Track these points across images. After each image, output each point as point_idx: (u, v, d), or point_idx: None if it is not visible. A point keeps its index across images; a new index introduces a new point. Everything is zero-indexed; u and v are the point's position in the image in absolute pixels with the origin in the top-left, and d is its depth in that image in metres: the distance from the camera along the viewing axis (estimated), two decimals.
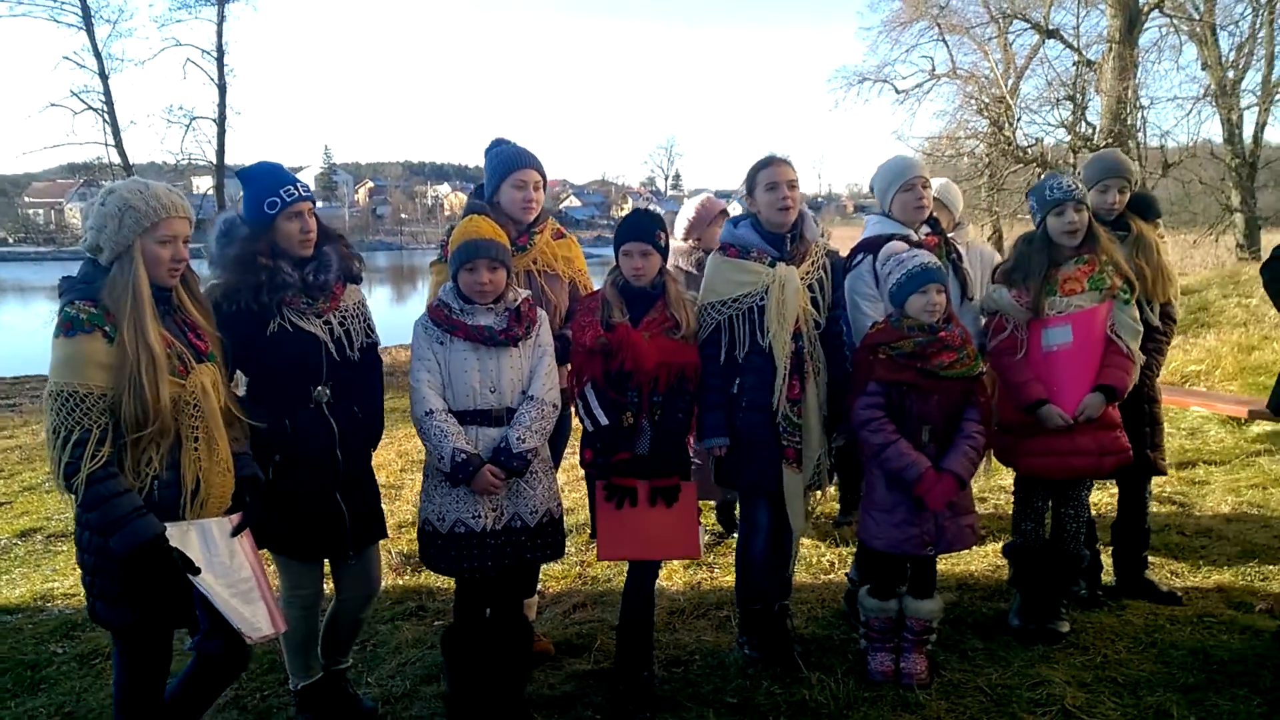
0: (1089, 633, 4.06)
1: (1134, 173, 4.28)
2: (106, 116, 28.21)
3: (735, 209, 4.25)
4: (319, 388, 3.35)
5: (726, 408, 3.76)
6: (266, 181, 3.29)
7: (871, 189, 4.17)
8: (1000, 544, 4.76)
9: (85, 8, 26.79)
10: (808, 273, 3.75)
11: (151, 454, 2.72)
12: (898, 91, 27.61)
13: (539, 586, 4.92)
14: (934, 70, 27.12)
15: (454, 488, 3.38)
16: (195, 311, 2.96)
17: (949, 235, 4.16)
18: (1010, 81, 25.34)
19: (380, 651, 4.27)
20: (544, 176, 4.02)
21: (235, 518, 2.96)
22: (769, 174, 3.72)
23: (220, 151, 29.40)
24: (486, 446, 3.39)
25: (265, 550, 3.48)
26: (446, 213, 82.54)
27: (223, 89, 28.98)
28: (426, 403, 3.36)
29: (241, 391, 3.39)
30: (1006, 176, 24.78)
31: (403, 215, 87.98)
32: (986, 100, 25.75)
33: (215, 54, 28.83)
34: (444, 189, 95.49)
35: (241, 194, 3.37)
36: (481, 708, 3.56)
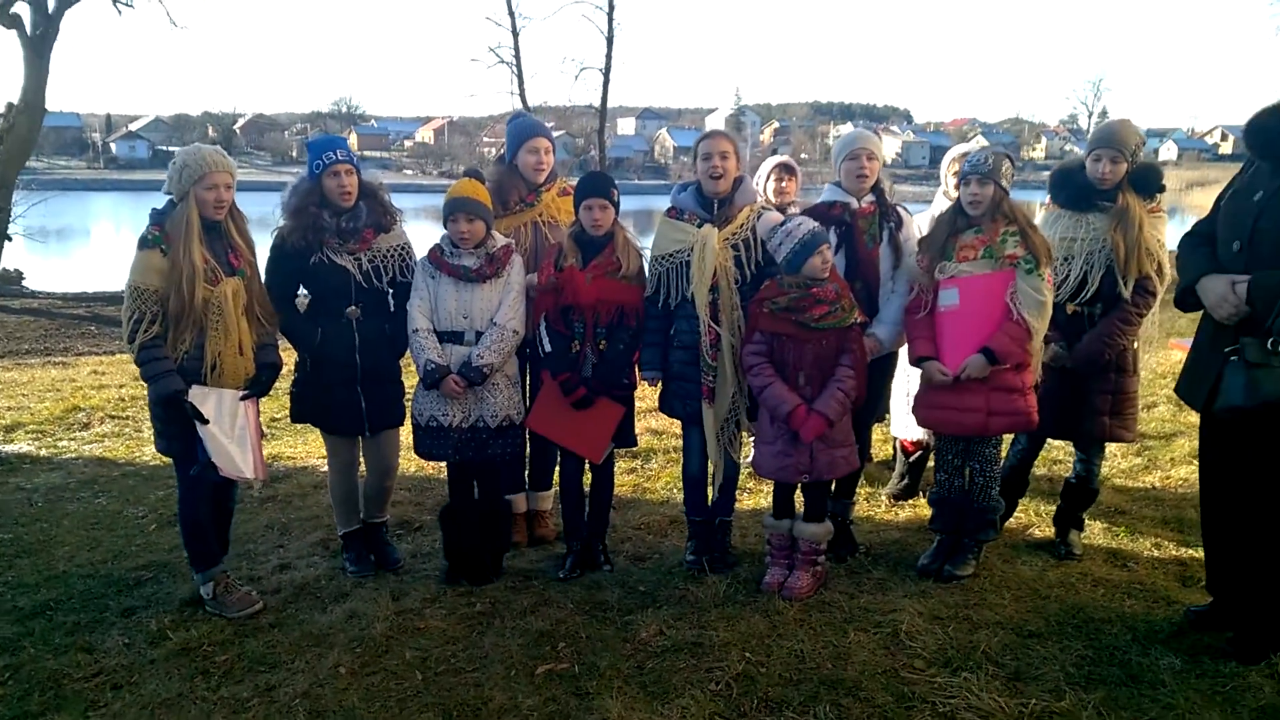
0: (992, 579, 4.31)
1: (1131, 145, 4.26)
2: (514, 68, 32.01)
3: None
4: (350, 307, 4.47)
5: (663, 347, 4.43)
6: (318, 149, 4.46)
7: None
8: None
9: None
10: (733, 234, 4.28)
11: (185, 336, 3.98)
12: None
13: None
14: None
15: (428, 391, 4.40)
16: (237, 237, 4.18)
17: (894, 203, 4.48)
18: None
19: None
20: (553, 143, 4.88)
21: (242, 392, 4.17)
22: (705, 145, 4.31)
23: (604, 98, 32.09)
24: (457, 360, 4.35)
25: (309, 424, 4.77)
26: None
27: (610, 40, 31.50)
28: (414, 322, 4.38)
29: (303, 305, 4.65)
30: None
31: (802, 155, 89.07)
32: None
33: (606, 8, 31.38)
34: (847, 128, 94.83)
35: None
36: (467, 567, 4.58)
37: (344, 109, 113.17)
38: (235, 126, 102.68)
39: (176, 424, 4.02)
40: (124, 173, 78.17)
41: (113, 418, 7.84)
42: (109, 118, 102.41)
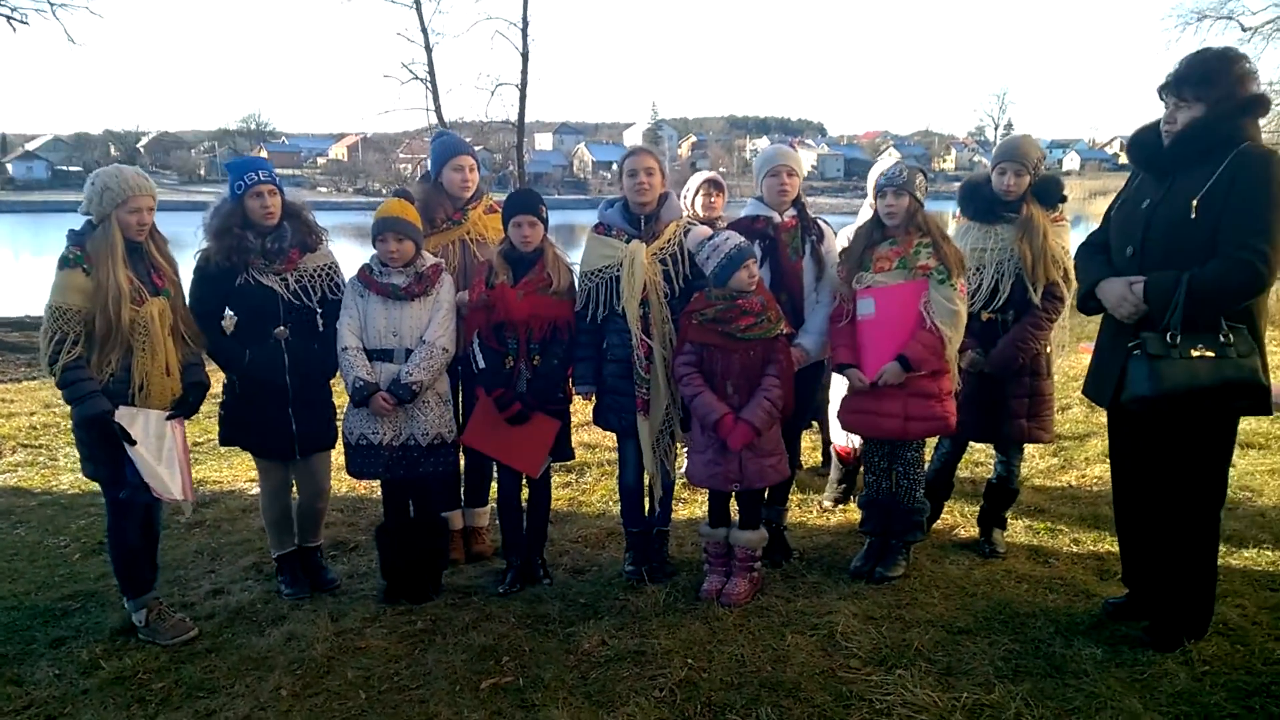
0: (922, 579, 4.46)
1: (1033, 158, 4.49)
2: (429, 85, 31.81)
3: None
4: (278, 328, 4.42)
5: (595, 361, 4.49)
6: (239, 169, 4.42)
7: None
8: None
9: None
10: (661, 249, 4.37)
11: (111, 357, 3.92)
12: (1244, 29, 24.88)
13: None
14: None
15: (357, 409, 4.38)
16: (159, 258, 4.14)
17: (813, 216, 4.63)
18: None
19: None
20: (478, 161, 4.91)
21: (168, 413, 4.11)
22: (630, 163, 4.39)
23: (521, 113, 32.04)
24: (387, 378, 4.33)
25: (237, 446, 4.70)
26: None
27: (525, 57, 31.43)
28: (343, 340, 4.36)
29: (230, 327, 4.59)
30: None
31: (720, 169, 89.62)
32: None
33: (521, 25, 31.35)
34: (763, 142, 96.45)
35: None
36: (406, 585, 4.56)
37: (253, 126, 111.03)
38: (139, 145, 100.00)
39: (103, 447, 3.95)
40: (21, 194, 75.52)
41: (25, 446, 7.58)
42: (4, 138, 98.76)
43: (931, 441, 4.87)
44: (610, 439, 6.74)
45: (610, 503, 5.85)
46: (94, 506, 5.98)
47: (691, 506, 5.66)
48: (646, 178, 4.34)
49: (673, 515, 4.88)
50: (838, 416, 4.57)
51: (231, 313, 4.53)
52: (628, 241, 4.36)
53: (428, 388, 4.38)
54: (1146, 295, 3.40)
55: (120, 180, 3.95)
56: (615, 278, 4.33)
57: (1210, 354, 3.31)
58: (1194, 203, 3.33)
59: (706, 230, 4.38)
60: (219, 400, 4.56)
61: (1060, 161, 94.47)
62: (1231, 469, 3.71)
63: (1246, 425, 6.67)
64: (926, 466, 4.85)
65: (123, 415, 3.92)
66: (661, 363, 4.34)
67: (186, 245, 4.42)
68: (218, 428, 4.59)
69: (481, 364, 4.43)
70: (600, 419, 4.60)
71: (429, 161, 5.01)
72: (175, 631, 4.13)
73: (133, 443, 3.91)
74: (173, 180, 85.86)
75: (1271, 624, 3.92)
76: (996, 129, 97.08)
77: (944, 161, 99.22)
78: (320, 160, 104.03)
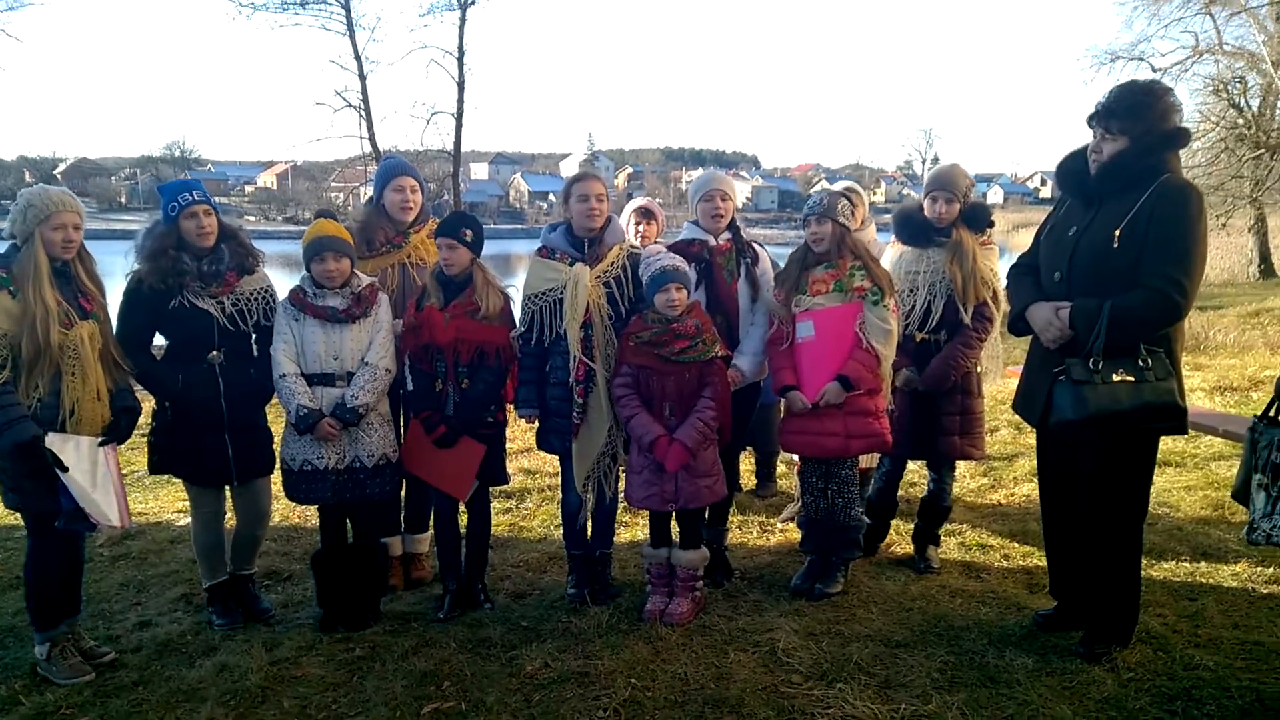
0: (860, 595, 4.55)
1: (963, 186, 4.66)
2: (363, 113, 31.58)
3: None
4: (213, 352, 4.35)
5: (538, 384, 4.50)
6: (173, 191, 4.36)
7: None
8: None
9: (349, 16, 29.98)
10: (605, 271, 4.40)
11: (39, 381, 3.83)
12: (1154, 70, 25.93)
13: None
14: (1197, 45, 25.38)
15: (300, 436, 4.33)
16: (87, 281, 4.06)
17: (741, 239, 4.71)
18: None
19: None
20: (421, 183, 4.91)
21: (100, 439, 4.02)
22: (580, 188, 4.42)
23: (457, 142, 31.97)
24: (329, 402, 4.30)
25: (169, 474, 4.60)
26: None
27: (461, 86, 31.40)
28: (280, 368, 4.30)
29: (160, 353, 4.51)
30: (1246, 162, 23.37)
31: (656, 199, 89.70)
32: (1230, 79, 24.09)
33: (456, 54, 31.33)
34: (698, 173, 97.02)
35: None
36: (343, 613, 4.49)
37: (177, 153, 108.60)
38: (56, 171, 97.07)
39: (29, 475, 3.84)
40: None
41: None
42: None
43: (868, 462, 4.97)
44: (550, 465, 6.76)
45: (551, 527, 5.85)
46: (10, 540, 5.80)
47: (633, 529, 5.68)
48: (597, 203, 4.38)
49: (615, 537, 4.88)
50: (778, 438, 4.66)
51: (162, 338, 4.44)
52: (571, 264, 4.39)
53: (372, 409, 4.35)
54: (1071, 321, 3.53)
55: (44, 197, 3.89)
56: (559, 300, 4.35)
57: (1130, 378, 3.44)
58: (1116, 233, 3.47)
59: (660, 248, 4.43)
60: (146, 429, 4.46)
61: (985, 195, 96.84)
62: (1150, 485, 3.84)
63: (1165, 445, 6.87)
64: (870, 487, 4.96)
65: (53, 442, 3.82)
66: (604, 384, 4.36)
67: (108, 274, 4.32)
68: (147, 456, 4.47)
69: (410, 386, 4.43)
70: (543, 442, 4.61)
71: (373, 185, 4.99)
72: (72, 673, 3.99)
73: (64, 469, 3.82)
74: (92, 208, 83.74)
75: (1190, 632, 4.06)
76: (924, 163, 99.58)
77: (874, 194, 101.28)
78: (248, 188, 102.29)
